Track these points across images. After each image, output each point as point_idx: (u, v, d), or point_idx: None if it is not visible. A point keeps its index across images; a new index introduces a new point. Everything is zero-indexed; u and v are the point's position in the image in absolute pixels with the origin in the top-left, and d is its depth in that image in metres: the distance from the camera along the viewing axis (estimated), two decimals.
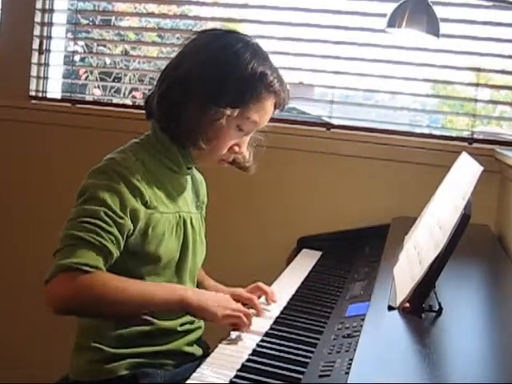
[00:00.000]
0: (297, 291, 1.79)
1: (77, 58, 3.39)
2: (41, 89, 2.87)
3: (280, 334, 1.44)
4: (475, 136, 2.43)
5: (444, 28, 2.11)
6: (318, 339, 1.39)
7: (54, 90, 2.92)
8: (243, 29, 1.53)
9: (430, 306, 1.24)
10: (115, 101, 3.65)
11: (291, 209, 2.47)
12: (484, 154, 2.17)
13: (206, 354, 1.39)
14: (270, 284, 1.76)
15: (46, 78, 2.87)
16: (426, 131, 2.71)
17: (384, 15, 2.15)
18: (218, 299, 1.41)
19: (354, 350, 1.18)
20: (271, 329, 1.47)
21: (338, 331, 1.38)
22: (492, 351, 1.14)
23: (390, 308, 1.27)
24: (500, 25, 2.38)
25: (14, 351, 2.74)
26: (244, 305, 1.56)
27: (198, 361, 1.40)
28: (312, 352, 1.32)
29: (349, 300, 1.61)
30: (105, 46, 4.04)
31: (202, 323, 1.57)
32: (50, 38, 2.86)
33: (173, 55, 1.56)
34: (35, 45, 2.83)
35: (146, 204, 1.41)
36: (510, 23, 2.37)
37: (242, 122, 1.47)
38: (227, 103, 1.42)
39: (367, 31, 2.51)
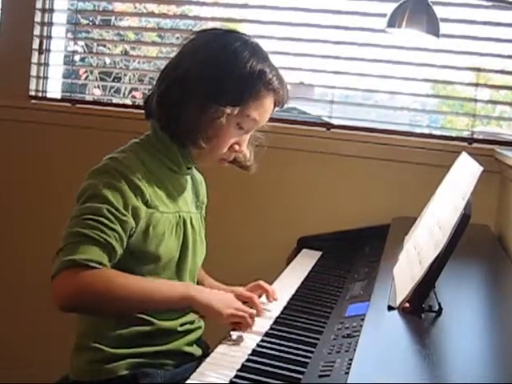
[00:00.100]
0: (297, 291, 1.79)
1: (77, 57, 3.39)
2: (41, 89, 2.87)
3: (280, 333, 1.44)
4: (475, 136, 2.43)
5: (444, 28, 2.11)
6: (318, 339, 1.39)
7: (54, 89, 2.92)
8: (243, 29, 1.53)
9: (430, 306, 1.24)
10: (115, 101, 3.64)
11: (291, 209, 2.48)
12: (484, 154, 2.17)
13: (205, 354, 1.39)
14: (270, 284, 1.76)
15: (45, 77, 2.88)
16: (426, 131, 2.71)
17: (384, 15, 2.16)
18: (223, 298, 1.42)
19: (354, 350, 1.18)
20: (271, 329, 1.47)
21: (337, 331, 1.38)
22: (492, 351, 1.14)
23: (390, 308, 1.27)
24: (500, 25, 2.38)
25: (14, 351, 2.74)
26: (244, 303, 1.57)
27: (198, 361, 1.40)
28: (312, 352, 1.33)
29: (349, 300, 1.61)
30: (105, 45, 4.03)
31: (202, 323, 1.57)
32: (49, 37, 2.86)
33: (172, 55, 1.56)
34: (35, 45, 2.83)
35: (146, 203, 1.41)
36: (510, 23, 2.38)
37: (242, 120, 1.47)
38: (227, 102, 1.42)
39: (367, 31, 2.51)
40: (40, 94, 2.86)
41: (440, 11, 2.10)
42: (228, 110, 1.42)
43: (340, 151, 2.43)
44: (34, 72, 2.84)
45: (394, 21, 2.09)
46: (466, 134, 2.48)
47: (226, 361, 1.29)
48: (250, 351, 1.34)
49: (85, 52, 3.65)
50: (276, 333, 1.44)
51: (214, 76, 1.43)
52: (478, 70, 2.43)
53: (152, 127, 1.51)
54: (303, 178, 2.48)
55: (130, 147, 1.49)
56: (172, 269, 1.48)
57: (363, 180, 2.42)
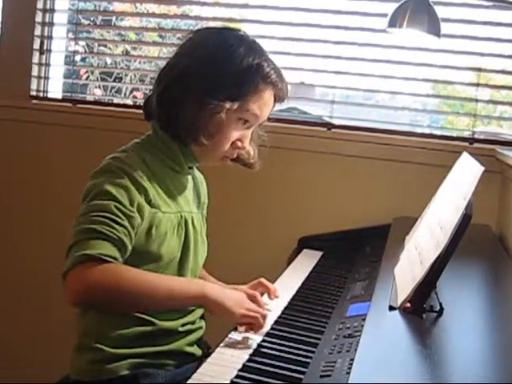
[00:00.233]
0: (298, 291, 1.79)
1: (78, 57, 3.39)
2: (42, 89, 2.87)
3: (281, 333, 1.44)
4: (476, 136, 2.43)
5: (445, 28, 2.11)
6: (319, 339, 1.39)
7: (55, 89, 2.92)
8: (244, 29, 1.53)
9: (431, 306, 1.24)
10: (116, 101, 3.65)
11: (292, 209, 2.48)
12: (485, 154, 2.17)
13: (206, 354, 1.39)
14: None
15: (46, 77, 2.88)
16: (427, 131, 2.71)
17: (385, 15, 2.16)
18: (235, 297, 1.41)
19: (355, 350, 1.18)
20: (272, 329, 1.47)
21: (338, 331, 1.38)
22: (493, 351, 1.14)
23: (391, 308, 1.28)
24: (500, 25, 2.38)
25: (14, 351, 2.74)
26: None
27: (199, 361, 1.40)
28: (313, 352, 1.33)
29: (350, 300, 1.61)
30: (106, 46, 4.04)
31: (203, 323, 1.57)
32: (50, 38, 2.86)
33: None
34: (36, 45, 2.83)
35: (149, 202, 1.41)
36: (511, 23, 2.37)
37: (243, 115, 1.47)
38: (225, 97, 1.42)
39: (368, 31, 2.51)
40: (41, 94, 2.86)
41: (441, 11, 2.10)
42: (227, 105, 1.42)
43: (341, 151, 2.44)
44: (35, 72, 2.84)
45: (394, 21, 2.09)
46: (466, 134, 2.48)
47: (226, 361, 1.29)
48: (251, 351, 1.34)
49: (86, 52, 3.65)
50: (277, 333, 1.44)
51: (212, 72, 1.43)
52: (479, 69, 2.43)
53: (152, 127, 1.51)
54: (304, 178, 2.48)
55: (132, 147, 1.49)
56: (173, 269, 1.48)
57: (364, 180, 2.42)
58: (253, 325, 1.41)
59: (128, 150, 1.48)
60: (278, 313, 1.59)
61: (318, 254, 2.22)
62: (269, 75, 1.46)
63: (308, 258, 2.17)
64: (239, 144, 1.50)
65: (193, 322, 1.52)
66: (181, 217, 1.49)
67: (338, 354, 1.24)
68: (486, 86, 2.53)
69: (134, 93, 3.87)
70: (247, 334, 1.41)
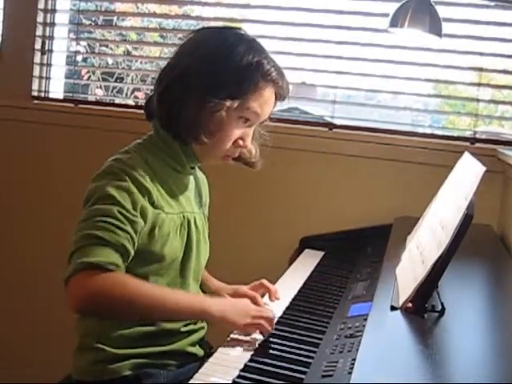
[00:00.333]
0: (299, 291, 1.79)
1: (79, 58, 3.39)
2: (43, 89, 2.87)
3: (282, 334, 1.44)
4: (477, 136, 2.43)
5: (446, 28, 2.11)
6: (321, 339, 1.40)
7: (57, 90, 2.92)
8: (245, 29, 1.53)
9: (433, 306, 1.24)
10: (117, 101, 3.65)
11: (293, 209, 2.48)
12: (486, 154, 2.17)
13: (208, 355, 1.40)
14: (272, 284, 1.75)
15: (48, 78, 2.88)
16: (428, 131, 2.71)
17: (386, 15, 2.15)
18: (238, 307, 1.40)
19: (357, 350, 1.18)
20: (274, 329, 1.47)
21: (340, 331, 1.38)
22: (495, 351, 1.14)
23: (393, 308, 1.28)
24: (502, 25, 2.38)
25: (14, 351, 2.74)
26: None
27: (201, 361, 1.41)
28: (314, 352, 1.33)
29: (351, 300, 1.61)
30: (107, 46, 4.03)
31: (204, 324, 1.56)
32: (52, 38, 2.86)
33: None
34: (37, 45, 2.84)
35: (153, 204, 1.40)
36: None
37: (243, 113, 1.46)
38: (225, 95, 1.42)
39: (369, 31, 2.51)
40: (42, 95, 2.87)
41: (442, 11, 2.10)
42: (228, 103, 1.42)
43: (342, 151, 2.43)
44: (36, 72, 2.84)
45: (396, 21, 2.09)
46: (468, 133, 2.48)
47: (228, 361, 1.29)
48: (252, 351, 1.34)
49: (87, 52, 3.65)
50: (279, 333, 1.44)
51: (212, 71, 1.43)
52: (481, 69, 2.43)
53: (154, 127, 1.51)
54: (305, 178, 2.48)
55: (134, 148, 1.49)
56: (176, 269, 1.48)
57: (365, 180, 2.42)
58: (260, 330, 1.40)
59: (130, 151, 1.47)
60: (280, 313, 1.59)
61: (320, 254, 2.22)
62: (269, 73, 1.46)
63: (309, 258, 2.17)
64: (241, 143, 1.50)
65: (195, 322, 1.52)
66: (183, 217, 1.49)
67: (340, 354, 1.24)
68: (488, 85, 2.53)
69: (136, 93, 3.87)
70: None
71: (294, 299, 1.71)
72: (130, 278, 1.31)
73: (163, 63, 1.54)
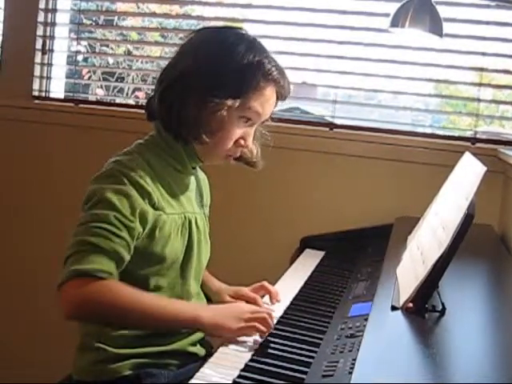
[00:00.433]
0: (300, 291, 1.79)
1: (80, 57, 3.39)
2: (44, 89, 2.87)
3: (283, 333, 1.44)
4: (478, 136, 2.43)
5: (447, 28, 2.11)
6: (321, 339, 1.39)
7: (57, 89, 2.92)
8: (247, 29, 1.53)
9: (434, 306, 1.24)
10: (118, 101, 3.65)
11: (294, 208, 2.47)
12: (487, 154, 2.17)
13: (209, 354, 1.40)
14: (273, 284, 1.76)
15: (49, 77, 2.88)
16: (429, 131, 2.71)
17: (387, 15, 2.15)
18: (230, 312, 1.40)
19: (357, 350, 1.17)
20: (274, 329, 1.46)
21: (341, 331, 1.38)
22: (495, 351, 1.14)
23: (393, 308, 1.27)
24: (503, 25, 2.38)
25: (14, 351, 2.74)
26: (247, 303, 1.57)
27: (202, 361, 1.40)
28: (315, 352, 1.33)
29: (352, 300, 1.61)
30: (108, 45, 4.04)
31: None
32: (53, 37, 2.86)
33: None
34: (38, 45, 2.84)
35: (153, 205, 1.40)
36: None
37: (245, 113, 1.46)
38: (226, 94, 1.42)
39: (370, 31, 2.51)
40: (43, 94, 2.87)
41: (443, 11, 2.10)
42: (229, 103, 1.42)
43: (343, 151, 2.43)
44: (37, 72, 2.84)
45: (397, 20, 2.09)
46: (469, 133, 2.48)
47: (229, 361, 1.29)
48: (253, 351, 1.34)
49: (88, 52, 3.65)
50: (279, 333, 1.44)
51: (213, 70, 1.43)
52: (481, 69, 2.43)
53: (156, 128, 1.51)
54: (306, 178, 2.48)
55: (135, 148, 1.49)
56: (177, 269, 1.48)
57: (366, 180, 2.42)
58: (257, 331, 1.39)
59: (131, 151, 1.47)
60: (281, 313, 1.59)
61: (320, 254, 2.22)
62: (270, 72, 1.46)
63: (310, 258, 2.17)
64: (242, 142, 1.50)
65: None
66: (184, 217, 1.49)
67: (341, 354, 1.24)
68: (489, 85, 2.53)
69: (136, 93, 3.88)
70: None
71: (294, 299, 1.71)
72: (122, 286, 1.31)
73: (164, 63, 1.54)
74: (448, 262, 1.22)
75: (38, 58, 2.84)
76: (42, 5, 2.82)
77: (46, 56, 2.86)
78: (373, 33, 2.50)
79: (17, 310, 2.76)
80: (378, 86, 2.59)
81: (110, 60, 3.65)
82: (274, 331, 1.45)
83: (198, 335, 1.53)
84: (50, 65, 2.87)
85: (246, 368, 1.26)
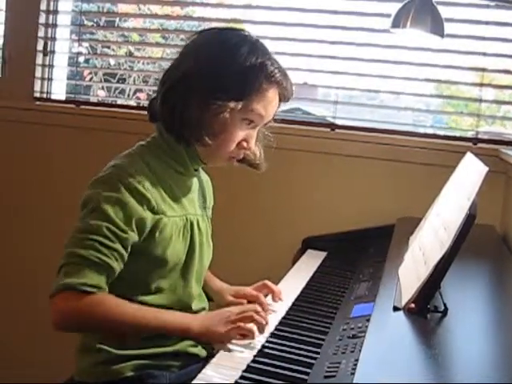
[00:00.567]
0: (302, 292, 1.79)
1: (81, 59, 3.38)
2: (45, 90, 2.87)
3: (285, 334, 1.44)
4: (480, 136, 2.43)
5: (448, 28, 2.11)
6: (323, 340, 1.39)
7: (59, 91, 2.92)
8: (248, 29, 1.53)
9: (436, 306, 1.24)
10: (119, 102, 3.64)
11: (296, 209, 2.47)
12: (489, 154, 2.17)
13: (210, 355, 1.39)
14: (275, 284, 1.75)
15: (50, 79, 2.88)
16: (430, 131, 2.70)
17: (388, 15, 2.15)
18: (217, 316, 1.40)
19: (359, 350, 1.17)
20: (276, 329, 1.47)
21: (343, 332, 1.38)
22: (497, 352, 1.14)
23: (396, 309, 1.27)
24: (504, 25, 2.38)
25: (14, 351, 2.74)
26: (248, 302, 1.57)
27: (203, 362, 1.40)
28: (317, 353, 1.32)
29: (354, 300, 1.61)
30: (109, 47, 4.03)
31: None
32: (54, 39, 2.87)
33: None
34: (40, 46, 2.84)
35: (153, 210, 1.40)
36: None
37: (247, 115, 1.45)
38: (229, 96, 1.41)
39: (370, 31, 2.51)
40: (44, 96, 2.87)
41: (444, 11, 2.10)
42: (231, 105, 1.41)
43: (344, 152, 2.43)
44: (38, 73, 2.85)
45: (398, 21, 2.09)
46: (470, 134, 2.48)
47: (231, 361, 1.29)
48: (255, 352, 1.33)
49: (89, 53, 3.65)
50: (281, 333, 1.44)
51: (215, 72, 1.42)
52: (483, 69, 2.43)
53: (158, 129, 1.51)
54: (308, 179, 2.48)
55: (136, 150, 1.49)
56: (178, 272, 1.48)
57: (368, 180, 2.41)
58: (245, 335, 1.37)
59: (132, 154, 1.47)
60: (283, 313, 1.59)
61: (322, 255, 2.21)
62: (273, 74, 1.45)
63: (312, 259, 2.16)
64: (245, 144, 1.49)
65: None
66: (186, 219, 1.49)
67: (343, 355, 1.24)
68: (490, 85, 2.53)
69: (138, 94, 3.87)
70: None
71: (296, 300, 1.71)
72: (110, 301, 1.33)
73: (165, 64, 1.54)
74: (450, 263, 1.22)
75: (39, 60, 2.84)
76: (43, 6, 2.82)
77: (48, 57, 2.86)
78: (373, 34, 2.50)
79: (17, 310, 2.76)
80: (379, 87, 2.59)
81: (112, 61, 3.65)
82: (276, 332, 1.45)
83: None
84: (51, 66, 2.88)
85: (248, 369, 1.26)
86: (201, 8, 3.04)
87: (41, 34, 2.84)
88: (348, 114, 2.63)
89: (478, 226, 1.24)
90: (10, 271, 2.78)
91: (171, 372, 1.44)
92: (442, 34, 2.07)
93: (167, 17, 3.43)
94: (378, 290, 1.49)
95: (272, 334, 1.43)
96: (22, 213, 2.80)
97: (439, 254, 1.23)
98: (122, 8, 3.06)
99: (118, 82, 3.82)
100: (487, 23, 2.37)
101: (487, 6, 2.36)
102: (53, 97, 2.89)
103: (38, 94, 2.85)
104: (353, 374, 1.11)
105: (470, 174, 1.46)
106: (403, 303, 1.26)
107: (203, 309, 1.58)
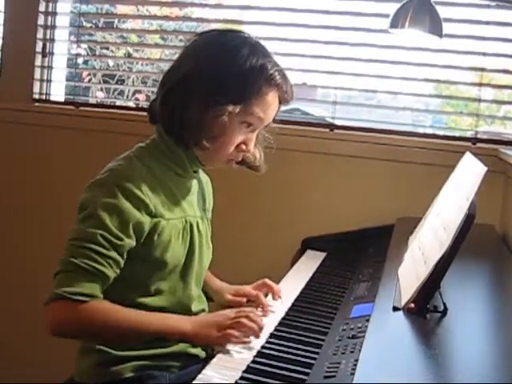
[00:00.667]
0: (301, 292, 1.78)
1: (80, 60, 3.39)
2: (44, 91, 2.87)
3: (285, 335, 1.44)
4: (479, 136, 2.43)
5: (447, 28, 2.11)
6: (323, 340, 1.39)
7: (58, 92, 2.92)
8: (247, 30, 1.53)
9: (435, 306, 1.24)
10: (118, 103, 3.64)
11: (295, 210, 2.47)
12: (488, 154, 2.17)
13: (210, 356, 1.39)
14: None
15: (49, 80, 2.88)
16: (430, 131, 2.70)
17: (387, 15, 2.15)
18: (213, 320, 1.39)
19: (359, 350, 1.17)
20: (276, 330, 1.47)
21: (342, 332, 1.38)
22: (497, 352, 1.14)
23: (395, 309, 1.27)
24: (503, 24, 2.38)
25: (14, 351, 2.74)
26: (248, 301, 1.57)
27: (203, 362, 1.40)
28: (317, 353, 1.32)
29: (353, 301, 1.61)
30: (108, 48, 4.03)
31: None
32: (53, 40, 2.87)
33: (175, 57, 1.56)
34: (38, 48, 2.84)
35: (150, 213, 1.40)
36: None
37: (246, 119, 1.44)
38: (228, 100, 1.40)
39: (369, 32, 2.51)
40: (43, 97, 2.87)
41: (443, 11, 2.10)
42: (230, 108, 1.40)
43: (343, 152, 2.43)
44: (37, 75, 2.85)
45: (396, 21, 2.09)
46: (469, 134, 2.48)
47: (230, 362, 1.29)
48: (254, 352, 1.33)
49: (88, 55, 3.65)
50: (281, 334, 1.44)
51: (215, 74, 1.42)
52: (482, 69, 2.43)
53: (157, 131, 1.50)
54: (307, 179, 2.48)
55: (136, 152, 1.48)
56: (178, 274, 1.48)
57: (367, 180, 2.41)
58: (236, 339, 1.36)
59: (131, 156, 1.47)
60: (282, 314, 1.59)
61: (322, 255, 2.21)
62: (273, 77, 1.44)
63: (311, 259, 2.16)
64: (244, 147, 1.48)
65: None
66: (185, 221, 1.49)
67: (342, 355, 1.24)
68: (489, 85, 2.53)
69: (137, 95, 3.88)
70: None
71: (296, 300, 1.71)
72: (103, 309, 1.33)
73: (164, 65, 1.54)
74: (449, 263, 1.22)
75: (38, 61, 2.84)
76: (42, 8, 2.83)
77: (46, 59, 2.86)
78: (371, 34, 2.50)
79: (17, 310, 2.76)
80: (378, 87, 2.59)
81: (110, 62, 3.65)
82: (276, 332, 1.45)
83: None
84: (50, 68, 2.88)
85: (248, 369, 1.25)
86: (199, 9, 3.05)
87: (39, 35, 2.84)
88: (347, 114, 2.63)
89: (477, 226, 1.24)
90: (10, 271, 2.78)
91: (171, 373, 1.44)
92: (440, 34, 2.07)
93: (166, 18, 3.43)
94: (377, 290, 1.49)
95: (272, 335, 1.43)
96: (21, 213, 2.80)
97: (439, 254, 1.23)
98: (121, 9, 3.06)
99: (116, 83, 3.83)
100: (486, 23, 2.37)
101: (486, 6, 2.36)
102: (52, 98, 2.88)
103: (36, 96, 2.85)
104: (353, 374, 1.11)
105: (469, 173, 1.46)
106: (403, 303, 1.26)
107: (203, 310, 1.58)
